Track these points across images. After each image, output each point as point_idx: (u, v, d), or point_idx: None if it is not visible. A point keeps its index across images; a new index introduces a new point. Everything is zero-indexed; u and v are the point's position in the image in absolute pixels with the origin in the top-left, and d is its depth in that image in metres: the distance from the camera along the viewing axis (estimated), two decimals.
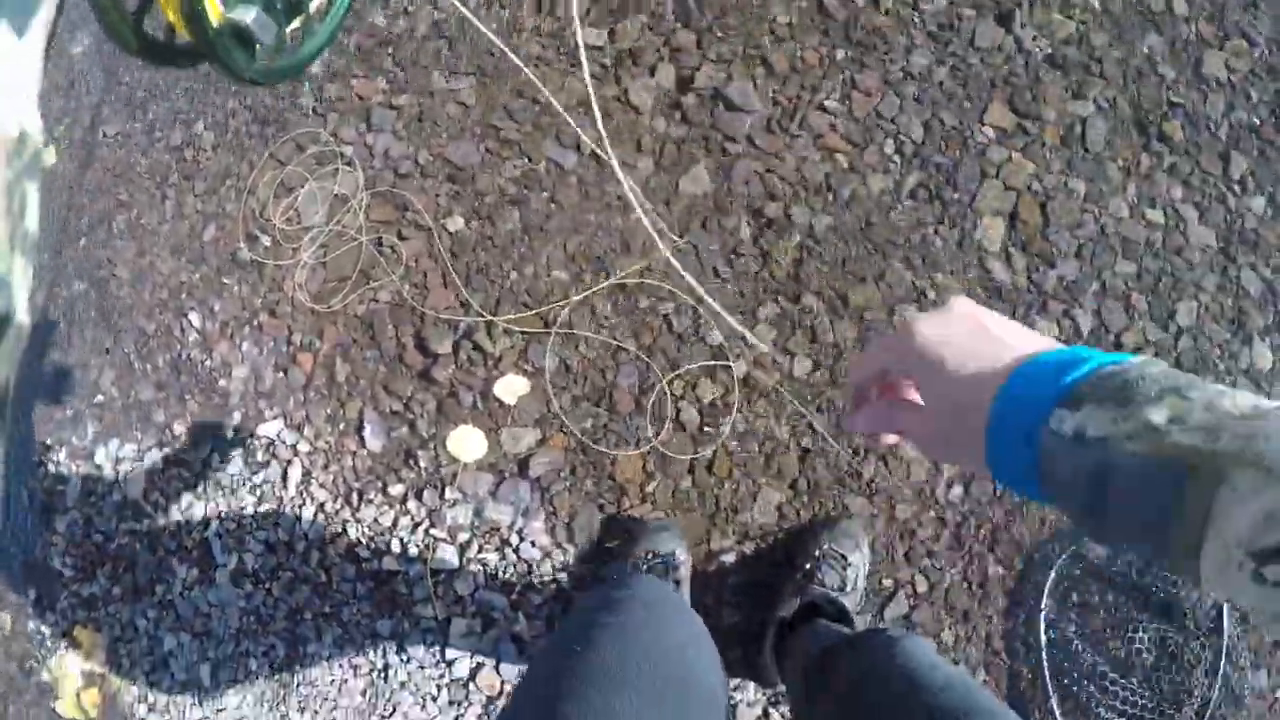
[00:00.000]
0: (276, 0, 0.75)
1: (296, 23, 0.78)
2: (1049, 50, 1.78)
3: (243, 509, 1.83)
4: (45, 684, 2.15)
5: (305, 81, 1.85)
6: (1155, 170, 1.81)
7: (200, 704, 1.93)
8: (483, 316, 1.58)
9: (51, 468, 2.14)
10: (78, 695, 2.13)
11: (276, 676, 1.83)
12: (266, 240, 1.81)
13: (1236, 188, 1.90)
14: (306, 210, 1.77)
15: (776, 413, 1.55)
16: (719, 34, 1.67)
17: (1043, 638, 1.60)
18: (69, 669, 2.15)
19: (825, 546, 1.51)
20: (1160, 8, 1.92)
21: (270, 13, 0.72)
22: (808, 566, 1.49)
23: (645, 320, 1.57)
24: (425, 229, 1.66)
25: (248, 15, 0.65)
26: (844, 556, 1.51)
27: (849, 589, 1.50)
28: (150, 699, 1.98)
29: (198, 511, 1.89)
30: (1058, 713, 1.56)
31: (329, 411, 1.71)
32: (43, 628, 2.16)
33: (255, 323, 1.81)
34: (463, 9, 1.20)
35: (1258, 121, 1.96)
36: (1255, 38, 2.01)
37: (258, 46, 0.72)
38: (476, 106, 1.68)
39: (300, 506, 1.75)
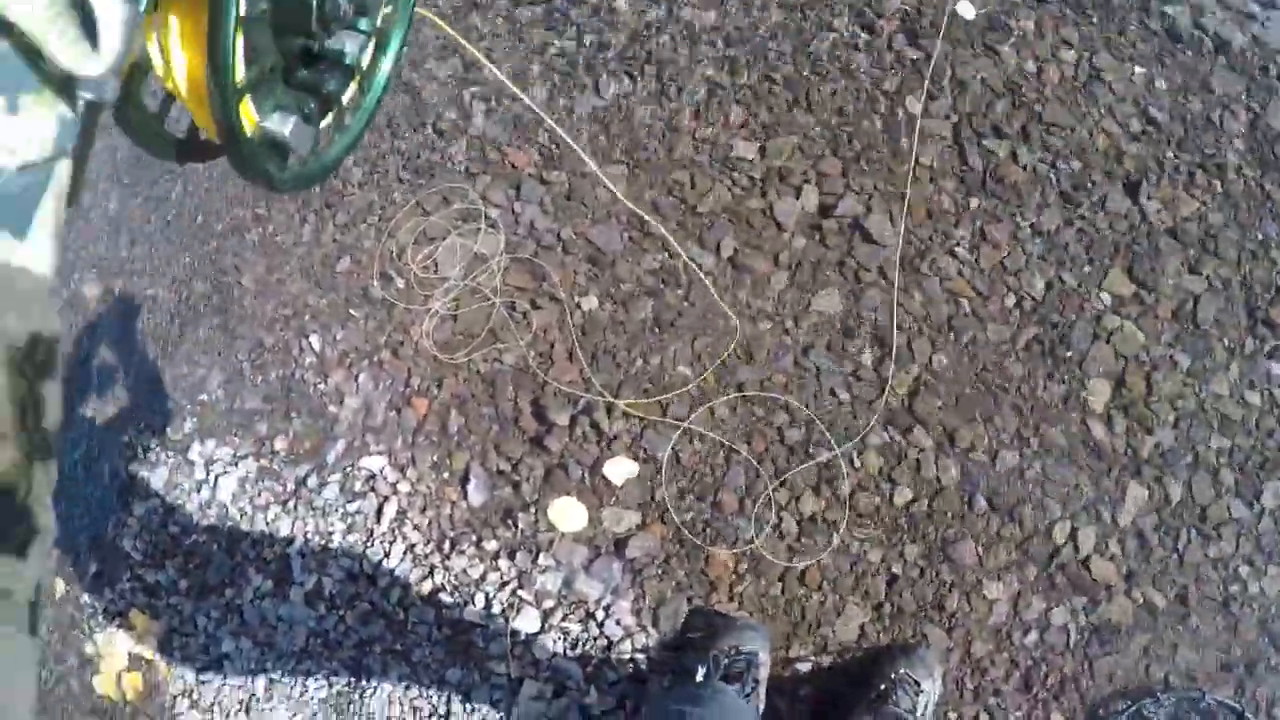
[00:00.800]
0: (310, 100, 0.62)
1: (329, 118, 0.66)
2: (1171, 224, 1.86)
3: (330, 534, 1.90)
4: (88, 656, 2.20)
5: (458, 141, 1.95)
6: (1258, 354, 1.87)
7: (247, 712, 1.97)
8: (604, 397, 1.66)
9: (140, 452, 2.21)
10: (119, 676, 2.18)
11: (334, 702, 1.88)
12: (400, 283, 1.90)
13: None
14: (445, 262, 1.86)
15: (874, 536, 1.60)
16: (864, 166, 1.76)
17: None
18: (117, 648, 2.20)
19: (901, 671, 1.56)
20: (1279, 196, 1.99)
21: (307, 117, 0.61)
22: (883, 688, 1.54)
23: (759, 427, 1.64)
24: (559, 302, 1.75)
25: (285, 126, 0.57)
26: (918, 683, 1.56)
27: (919, 715, 1.55)
28: (196, 695, 2.02)
29: (284, 527, 1.96)
30: None
31: (435, 458, 1.79)
32: (97, 602, 2.22)
33: (376, 359, 1.89)
34: (571, 142, 1.27)
35: None
36: None
37: (291, 154, 0.61)
38: (625, 195, 1.78)
39: (390, 543, 1.82)
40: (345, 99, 0.66)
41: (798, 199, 1.72)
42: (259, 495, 2.00)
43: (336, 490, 1.90)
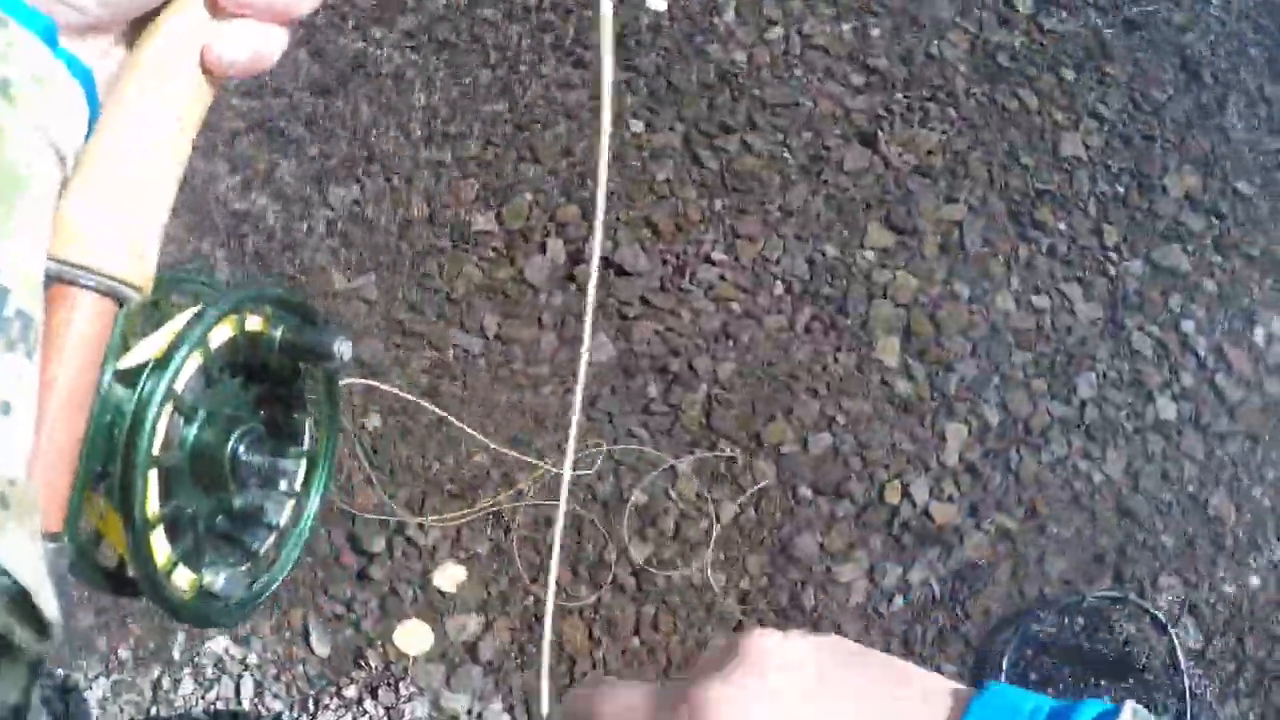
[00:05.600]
0: (248, 535, 0.65)
1: (270, 539, 0.67)
2: (916, 163, 1.95)
3: None
4: None
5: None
6: (1035, 257, 1.98)
7: None
8: (408, 517, 1.67)
9: None
10: None
11: None
12: None
13: (1114, 255, 2.07)
14: None
15: (712, 561, 1.64)
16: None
17: None
18: None
19: None
20: (1014, 106, 2.11)
21: (237, 559, 0.63)
22: None
23: (570, 490, 1.67)
24: (343, 430, 1.74)
25: (216, 580, 0.59)
26: None
27: None
28: None
29: None
30: None
31: (273, 621, 1.76)
32: None
33: None
34: None
35: (1122, 190, 2.15)
36: (1105, 113, 2.22)
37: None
38: (380, 302, 1.79)
39: (258, 719, 1.79)
40: (282, 519, 0.67)
41: (545, 255, 1.76)
42: (121, 713, 1.95)
43: (192, 684, 1.86)
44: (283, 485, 0.66)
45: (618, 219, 1.79)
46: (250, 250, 1.94)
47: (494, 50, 1.98)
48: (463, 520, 1.65)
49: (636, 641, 1.62)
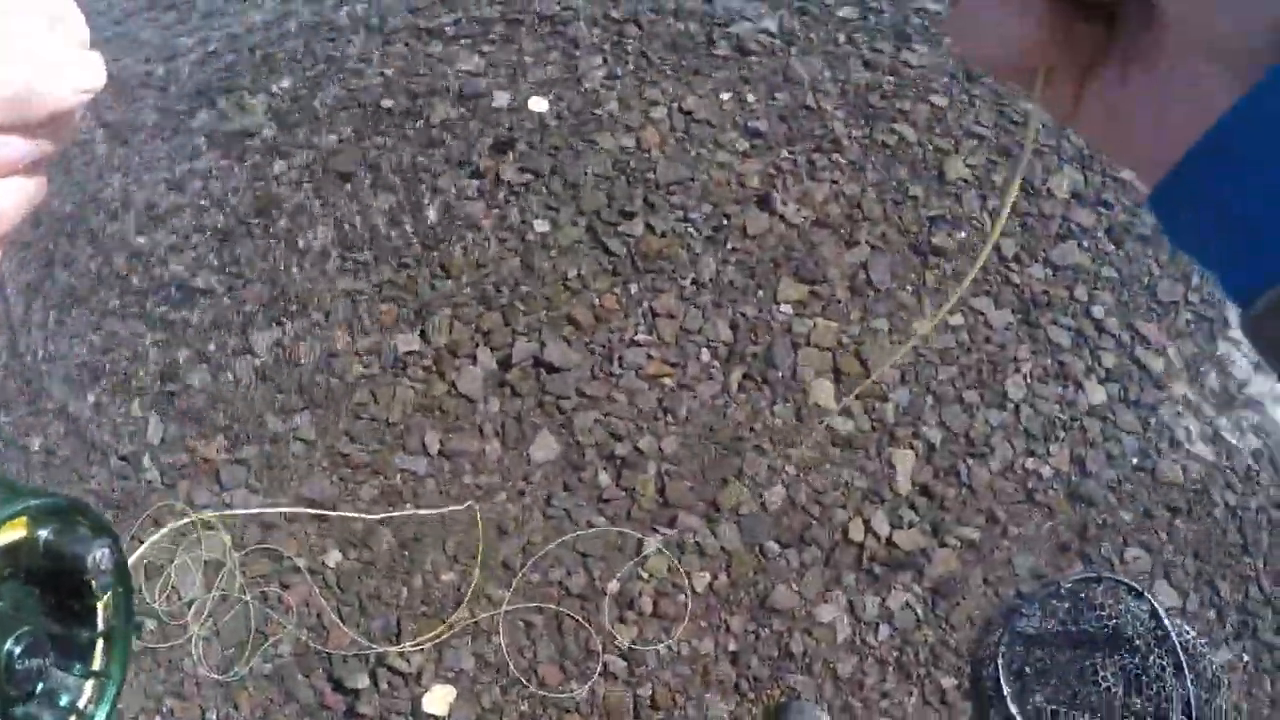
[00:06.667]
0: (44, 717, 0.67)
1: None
2: (813, 215, 2.09)
3: None
4: None
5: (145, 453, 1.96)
6: (941, 281, 2.11)
7: None
8: (386, 647, 1.68)
9: None
10: None
11: None
12: (151, 624, 1.86)
13: (1014, 265, 2.22)
14: (183, 583, 1.84)
15: (695, 632, 1.69)
16: (520, 306, 1.89)
17: (1018, 718, 1.74)
18: None
19: None
20: (894, 141, 2.27)
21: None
22: None
23: (542, 589, 1.71)
24: (305, 571, 1.77)
25: None
26: None
27: None
28: None
29: None
30: None
31: None
32: None
33: (163, 710, 1.83)
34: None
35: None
36: (981, 131, 2.39)
37: None
38: (319, 439, 1.83)
39: None
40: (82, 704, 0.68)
41: (475, 365, 1.83)
42: None
43: None
44: (76, 668, 0.68)
45: (539, 320, 1.87)
46: (180, 409, 1.96)
47: (392, 174, 2.08)
48: (442, 639, 1.67)
49: None
